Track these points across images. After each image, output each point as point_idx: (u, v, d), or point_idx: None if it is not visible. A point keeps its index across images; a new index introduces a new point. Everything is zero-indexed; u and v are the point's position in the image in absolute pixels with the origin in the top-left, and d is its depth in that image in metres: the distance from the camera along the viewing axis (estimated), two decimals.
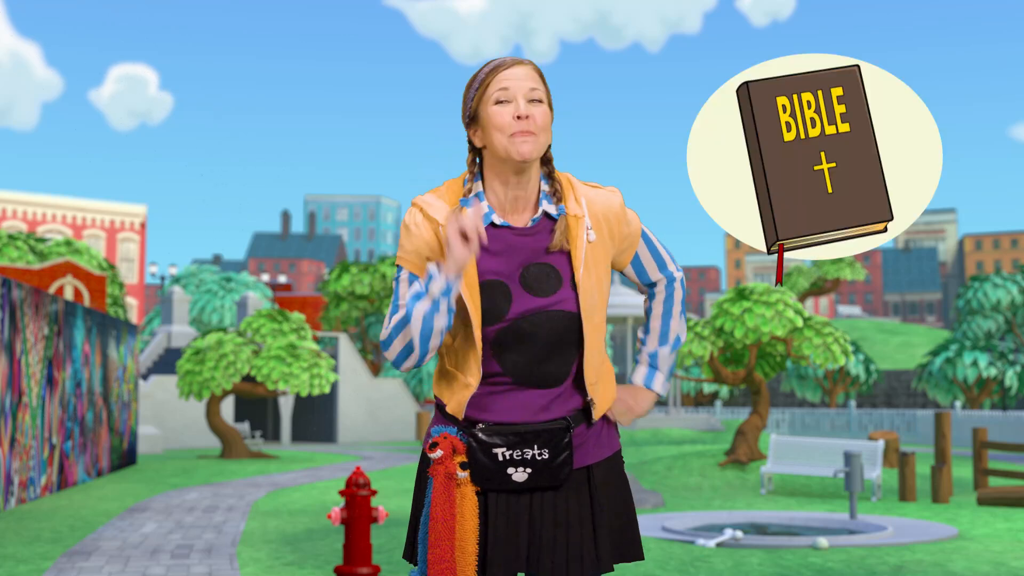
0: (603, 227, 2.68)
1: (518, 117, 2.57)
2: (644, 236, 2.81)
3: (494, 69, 2.61)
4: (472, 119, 2.65)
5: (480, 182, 2.67)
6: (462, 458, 2.60)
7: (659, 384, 2.84)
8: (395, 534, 10.84)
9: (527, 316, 2.58)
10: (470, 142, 2.68)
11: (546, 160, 2.70)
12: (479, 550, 2.61)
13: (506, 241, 2.63)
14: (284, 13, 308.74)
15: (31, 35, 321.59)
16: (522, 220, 2.65)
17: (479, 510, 2.62)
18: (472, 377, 2.61)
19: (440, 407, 2.71)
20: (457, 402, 2.64)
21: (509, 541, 2.60)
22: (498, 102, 2.59)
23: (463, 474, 2.59)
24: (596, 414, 2.67)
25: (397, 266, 2.68)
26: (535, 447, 2.58)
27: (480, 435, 2.58)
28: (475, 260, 2.61)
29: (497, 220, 2.63)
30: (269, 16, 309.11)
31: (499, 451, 2.57)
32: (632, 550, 2.73)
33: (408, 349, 2.55)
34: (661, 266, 2.86)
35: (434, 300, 2.50)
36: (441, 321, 2.52)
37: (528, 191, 2.65)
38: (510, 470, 2.58)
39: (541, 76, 2.64)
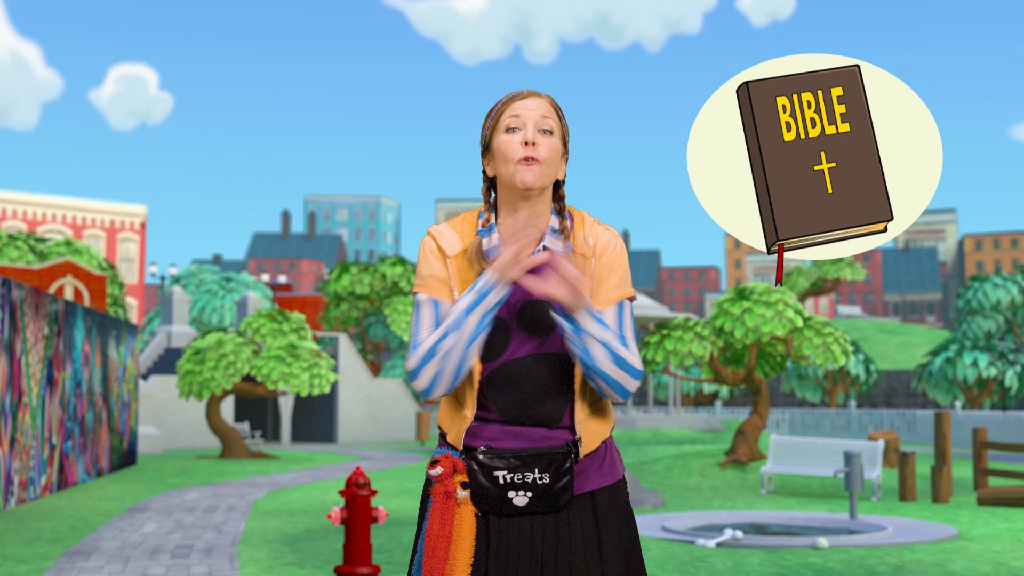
0: (599, 263, 2.66)
1: (524, 143, 2.58)
2: (619, 307, 2.65)
3: (509, 100, 2.64)
4: (486, 149, 2.68)
5: (495, 213, 2.68)
6: (463, 477, 2.60)
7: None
8: (395, 534, 10.84)
9: (519, 358, 2.59)
10: (484, 172, 2.70)
11: (558, 197, 2.70)
12: (482, 574, 2.61)
13: None
14: (284, 13, 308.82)
15: (31, 35, 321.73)
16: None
17: (481, 534, 2.61)
18: (468, 409, 2.62)
19: (443, 436, 2.72)
20: (456, 432, 2.65)
21: (511, 566, 2.59)
22: (508, 130, 2.61)
23: (463, 493, 2.59)
24: (583, 451, 2.64)
25: (414, 293, 2.66)
26: (536, 471, 2.57)
27: (481, 458, 2.58)
28: None
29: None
30: (269, 16, 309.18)
31: (500, 474, 2.57)
32: None
33: (442, 370, 2.51)
34: (620, 337, 2.63)
35: (484, 312, 2.48)
36: (484, 336, 2.50)
37: (537, 225, 2.62)
38: (511, 494, 2.57)
39: (557, 110, 2.66)
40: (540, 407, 2.61)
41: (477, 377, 2.59)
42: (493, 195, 2.70)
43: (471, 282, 2.59)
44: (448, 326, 2.50)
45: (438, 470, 2.61)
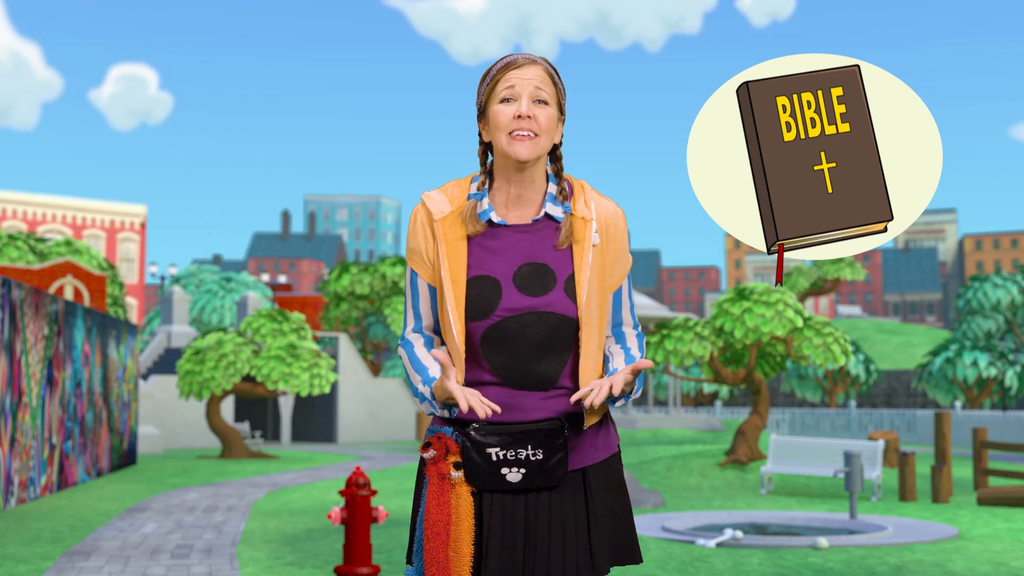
0: (605, 234, 2.66)
1: (518, 116, 2.57)
2: (627, 278, 2.76)
3: (505, 67, 2.61)
4: (482, 113, 2.66)
5: (488, 177, 2.68)
6: (456, 458, 2.58)
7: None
8: (395, 534, 10.85)
9: (516, 316, 2.57)
10: (480, 135, 2.69)
11: (555, 159, 2.69)
12: (475, 551, 2.60)
13: (503, 239, 2.62)
14: (284, 13, 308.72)
15: (31, 35, 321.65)
16: (523, 218, 2.64)
17: (475, 511, 2.60)
18: (458, 374, 2.60)
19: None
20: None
21: (504, 542, 2.58)
22: (503, 100, 2.60)
23: (457, 474, 2.58)
24: (588, 421, 2.63)
25: (409, 264, 2.71)
26: (529, 447, 2.56)
27: (474, 434, 2.57)
28: (468, 256, 2.62)
29: (495, 218, 2.63)
30: (269, 16, 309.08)
31: (493, 451, 2.56)
32: (629, 554, 2.69)
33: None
34: (633, 318, 2.79)
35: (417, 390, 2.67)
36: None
37: (532, 190, 2.64)
38: (504, 470, 2.56)
39: (552, 77, 2.63)
40: (537, 365, 2.59)
41: (462, 341, 2.58)
42: (490, 158, 2.70)
43: (459, 241, 2.61)
44: (405, 364, 2.72)
45: (431, 452, 2.60)
